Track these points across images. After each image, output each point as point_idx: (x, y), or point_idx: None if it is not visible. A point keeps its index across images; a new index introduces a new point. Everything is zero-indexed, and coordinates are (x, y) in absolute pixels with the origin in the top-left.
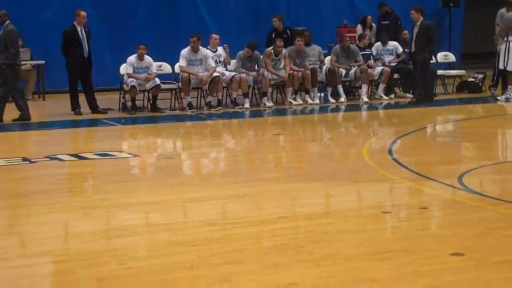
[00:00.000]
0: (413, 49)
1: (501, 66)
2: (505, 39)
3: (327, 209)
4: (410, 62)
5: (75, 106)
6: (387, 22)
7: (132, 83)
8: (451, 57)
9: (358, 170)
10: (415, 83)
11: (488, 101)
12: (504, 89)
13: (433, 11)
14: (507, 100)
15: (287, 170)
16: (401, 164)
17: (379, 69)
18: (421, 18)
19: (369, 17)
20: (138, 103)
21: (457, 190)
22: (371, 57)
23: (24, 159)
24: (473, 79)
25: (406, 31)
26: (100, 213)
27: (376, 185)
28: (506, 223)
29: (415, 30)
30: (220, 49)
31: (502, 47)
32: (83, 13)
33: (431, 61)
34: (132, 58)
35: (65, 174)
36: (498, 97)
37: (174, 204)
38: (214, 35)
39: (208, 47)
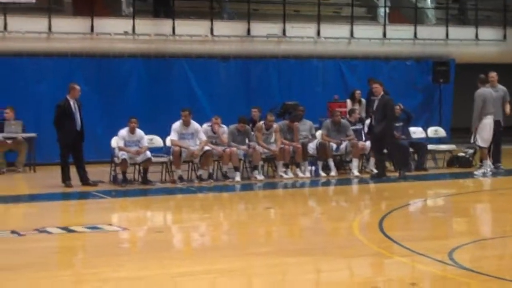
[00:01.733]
0: (373, 122)
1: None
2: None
3: (318, 285)
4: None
5: (65, 178)
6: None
7: (123, 156)
8: (441, 132)
9: (348, 245)
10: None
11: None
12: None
13: (423, 86)
14: (484, 175)
15: (277, 244)
16: (392, 239)
17: (369, 143)
18: (382, 92)
19: (358, 91)
20: (129, 176)
21: (447, 266)
22: (362, 133)
23: (13, 232)
24: (463, 154)
25: (397, 106)
26: None
27: (366, 260)
28: None
29: (375, 103)
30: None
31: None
32: (77, 87)
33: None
34: (123, 132)
35: (53, 248)
36: (475, 172)
37: (163, 279)
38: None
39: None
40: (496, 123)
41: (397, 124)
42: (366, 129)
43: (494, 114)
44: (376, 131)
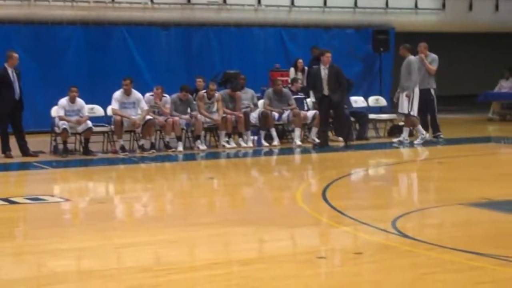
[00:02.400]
0: (325, 92)
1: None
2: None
3: (261, 255)
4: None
5: (5, 149)
6: (317, 66)
7: (64, 126)
8: (382, 101)
9: (292, 214)
10: (337, 125)
11: (419, 145)
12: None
13: (364, 55)
14: (400, 143)
15: (220, 215)
16: (335, 209)
17: (311, 113)
18: (331, 62)
19: (300, 60)
20: (70, 146)
21: (391, 234)
22: (304, 102)
23: None
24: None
25: None
26: (31, 260)
27: (310, 229)
28: (439, 268)
29: (325, 72)
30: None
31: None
32: (15, 55)
33: (364, 105)
34: (63, 101)
35: None
36: (394, 140)
37: (106, 250)
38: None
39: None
40: (426, 91)
41: None
42: (312, 98)
43: (423, 84)
44: (335, 100)
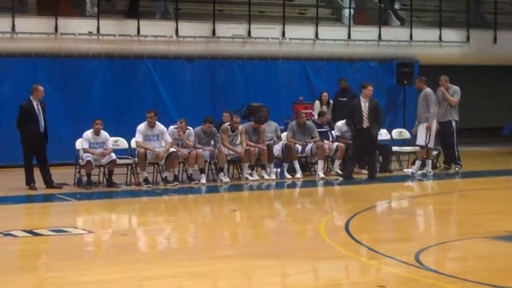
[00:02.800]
0: (365, 124)
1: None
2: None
3: None
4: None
5: (29, 181)
6: (345, 99)
7: (88, 158)
8: (406, 134)
9: (315, 247)
10: (369, 159)
11: (442, 177)
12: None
13: (388, 88)
14: (412, 174)
15: (243, 247)
16: (358, 241)
17: (334, 145)
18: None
19: (325, 93)
20: (94, 178)
21: (414, 267)
22: (329, 134)
23: None
24: None
25: None
26: None
27: (333, 262)
28: None
29: (365, 105)
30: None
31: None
32: (41, 88)
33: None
34: (88, 133)
35: (18, 251)
36: (404, 170)
37: (130, 282)
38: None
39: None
40: (447, 124)
41: None
42: (337, 132)
43: (445, 116)
44: (374, 133)
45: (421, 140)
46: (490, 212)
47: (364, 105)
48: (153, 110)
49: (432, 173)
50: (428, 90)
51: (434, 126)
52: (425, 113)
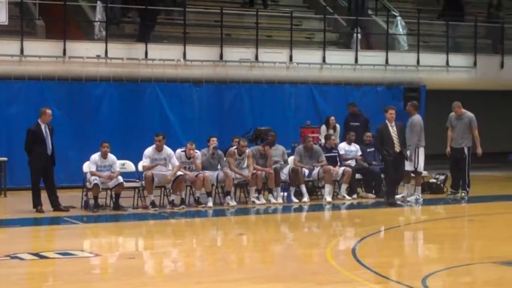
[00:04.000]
0: (397, 148)
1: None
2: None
3: None
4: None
5: (36, 203)
6: (357, 123)
7: (95, 181)
8: None
9: (321, 271)
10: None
11: (449, 202)
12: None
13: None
14: (416, 201)
15: (250, 271)
16: (365, 266)
17: (341, 169)
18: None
19: (332, 118)
20: (101, 201)
21: None
22: (338, 158)
23: None
24: (434, 180)
25: (369, 133)
26: None
27: (339, 287)
28: None
29: (393, 129)
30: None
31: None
32: (49, 111)
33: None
34: (95, 156)
35: (25, 274)
36: (408, 199)
37: None
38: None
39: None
40: (460, 150)
41: (368, 150)
42: (342, 152)
43: (456, 141)
44: (406, 156)
45: (409, 166)
46: (499, 237)
47: (392, 129)
48: (161, 134)
49: (421, 199)
50: (415, 117)
51: (422, 151)
52: (409, 140)
